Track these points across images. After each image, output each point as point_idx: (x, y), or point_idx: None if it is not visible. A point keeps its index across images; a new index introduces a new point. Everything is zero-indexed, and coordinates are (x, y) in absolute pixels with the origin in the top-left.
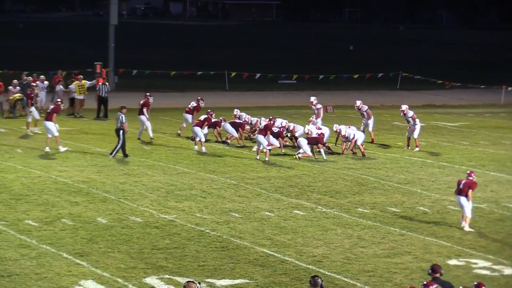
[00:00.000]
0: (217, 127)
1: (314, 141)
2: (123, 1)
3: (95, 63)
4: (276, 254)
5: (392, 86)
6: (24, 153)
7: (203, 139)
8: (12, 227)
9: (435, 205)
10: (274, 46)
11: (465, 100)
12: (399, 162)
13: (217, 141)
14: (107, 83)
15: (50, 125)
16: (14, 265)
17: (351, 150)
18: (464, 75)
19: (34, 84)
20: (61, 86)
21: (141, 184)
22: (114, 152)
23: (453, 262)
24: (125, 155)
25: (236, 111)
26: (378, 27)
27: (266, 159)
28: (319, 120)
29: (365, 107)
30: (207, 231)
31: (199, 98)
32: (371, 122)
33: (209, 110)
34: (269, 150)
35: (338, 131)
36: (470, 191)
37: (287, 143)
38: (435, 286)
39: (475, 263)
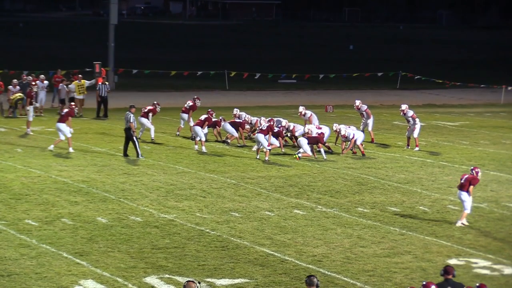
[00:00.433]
0: (217, 127)
1: (314, 141)
2: (123, 1)
3: (94, 62)
4: (276, 254)
5: (392, 86)
6: (24, 152)
7: (203, 139)
8: (12, 226)
9: (435, 204)
10: (274, 45)
11: (465, 99)
12: (399, 161)
13: (217, 141)
14: (107, 83)
15: (63, 126)
16: (14, 264)
17: (351, 149)
18: (464, 75)
19: (34, 84)
20: (64, 85)
21: (141, 184)
22: (139, 152)
23: (453, 261)
24: (125, 155)
25: (236, 111)
26: (378, 27)
27: (266, 158)
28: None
29: (365, 107)
30: (207, 230)
31: (195, 97)
32: (370, 121)
33: (209, 110)
34: (269, 150)
35: (338, 130)
36: (471, 187)
37: (286, 142)
38: (434, 286)
39: (475, 263)
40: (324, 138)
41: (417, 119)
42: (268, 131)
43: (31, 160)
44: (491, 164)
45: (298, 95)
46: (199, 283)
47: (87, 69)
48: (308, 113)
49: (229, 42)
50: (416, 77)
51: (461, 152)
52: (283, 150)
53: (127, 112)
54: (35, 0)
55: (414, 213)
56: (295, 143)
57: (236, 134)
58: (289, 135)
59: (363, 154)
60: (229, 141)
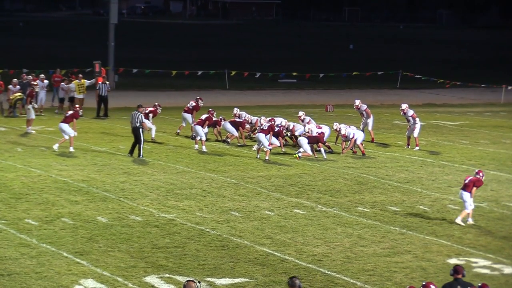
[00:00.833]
0: (217, 126)
1: (314, 140)
2: (123, 0)
3: (94, 62)
4: (276, 253)
5: (392, 85)
6: (24, 152)
7: (204, 138)
8: (12, 226)
9: (435, 204)
10: (274, 45)
11: (465, 99)
12: (399, 161)
13: (217, 140)
14: (107, 82)
15: (65, 126)
16: (14, 264)
17: (351, 149)
18: (464, 74)
19: (35, 83)
20: (65, 84)
21: (141, 183)
22: (141, 152)
23: (453, 261)
24: (131, 153)
25: (236, 110)
26: (378, 26)
27: (266, 158)
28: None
29: (364, 106)
30: (207, 230)
31: (198, 97)
32: (370, 121)
33: (210, 109)
34: (270, 149)
35: (338, 130)
36: (474, 188)
37: (287, 142)
38: (434, 286)
39: (475, 262)
40: (324, 138)
41: (417, 119)
42: (269, 130)
43: (31, 159)
44: (491, 164)
45: (298, 95)
46: (199, 282)
47: (87, 69)
48: (307, 118)
49: (229, 42)
50: (416, 77)
51: (461, 151)
52: (283, 150)
53: (135, 111)
54: None
55: (414, 213)
56: (295, 143)
57: (236, 134)
58: (289, 134)
59: (363, 154)
60: (229, 140)
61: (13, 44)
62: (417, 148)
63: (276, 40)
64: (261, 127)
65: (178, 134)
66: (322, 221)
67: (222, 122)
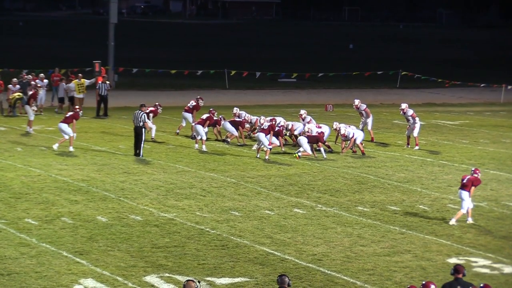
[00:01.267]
0: (217, 126)
1: (314, 140)
2: (123, 0)
3: (94, 61)
4: (276, 253)
5: (391, 85)
6: (24, 151)
7: (204, 138)
8: (12, 225)
9: (435, 203)
10: (274, 44)
11: (465, 98)
12: (399, 160)
13: (217, 140)
14: (107, 82)
15: (65, 126)
16: (14, 263)
17: (351, 148)
18: (464, 74)
19: (39, 85)
20: (64, 84)
21: (141, 183)
22: (141, 152)
23: (452, 260)
24: (136, 154)
25: (236, 110)
26: (378, 26)
27: (266, 157)
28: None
29: (364, 106)
30: (207, 229)
31: (198, 97)
32: (370, 120)
33: (211, 109)
34: (270, 149)
35: (338, 129)
36: (473, 188)
37: (286, 141)
38: (434, 286)
39: (475, 262)
40: (324, 137)
41: (416, 118)
42: (269, 130)
43: (31, 159)
44: (491, 163)
45: (298, 94)
46: (199, 282)
47: (87, 68)
48: (308, 118)
49: (229, 41)
50: (416, 76)
51: (461, 151)
52: (283, 149)
53: (138, 111)
54: None
55: (414, 212)
56: (295, 142)
57: (236, 133)
58: (288, 134)
59: (363, 153)
60: (229, 140)
61: (13, 43)
62: (416, 147)
63: (275, 40)
64: (262, 127)
65: (177, 134)
66: (322, 220)
67: (222, 122)
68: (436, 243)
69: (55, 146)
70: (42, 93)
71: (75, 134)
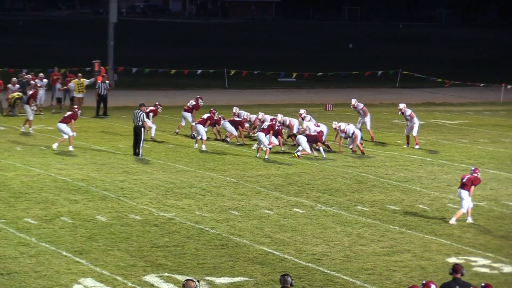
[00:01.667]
0: (216, 125)
1: (313, 139)
2: None
3: (93, 61)
4: (275, 252)
5: (391, 84)
6: (24, 151)
7: (204, 137)
8: (11, 225)
9: (434, 203)
10: (274, 44)
11: (464, 98)
12: (398, 160)
13: (216, 139)
14: (107, 81)
15: (63, 126)
16: (14, 263)
17: (350, 148)
18: (463, 73)
19: (39, 85)
20: (59, 84)
21: (140, 182)
22: (140, 151)
23: (452, 260)
24: (135, 154)
25: (235, 109)
26: (378, 25)
27: (266, 157)
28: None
29: (361, 105)
30: (207, 229)
31: (198, 96)
32: (368, 119)
33: (211, 109)
34: (270, 148)
35: (338, 128)
36: (473, 187)
37: (285, 140)
38: (434, 285)
39: (475, 261)
40: (323, 137)
41: (415, 118)
42: (269, 130)
43: (31, 158)
44: (490, 163)
45: (297, 94)
46: (198, 281)
47: (87, 68)
48: (308, 117)
49: (228, 41)
50: (415, 76)
51: (461, 150)
52: (282, 149)
53: (137, 110)
54: None
55: (413, 212)
56: (294, 141)
57: (235, 133)
58: (287, 133)
59: (363, 153)
60: (228, 139)
61: (12, 43)
62: (417, 146)
63: (275, 39)
64: (262, 126)
65: (177, 133)
66: (321, 220)
67: (222, 121)
68: (435, 242)
69: (55, 146)
70: (41, 92)
71: (75, 133)
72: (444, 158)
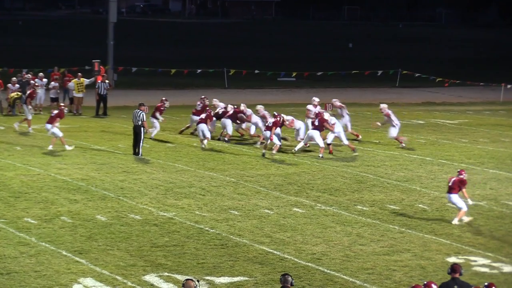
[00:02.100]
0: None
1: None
2: None
3: (93, 61)
4: (275, 252)
5: (391, 84)
6: (23, 150)
7: (208, 136)
8: (11, 224)
9: (434, 202)
10: (274, 43)
11: (464, 97)
12: (398, 159)
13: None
14: (107, 81)
15: (51, 126)
16: (13, 262)
17: (328, 145)
18: (463, 73)
19: (37, 85)
20: (56, 83)
21: (140, 182)
22: (140, 151)
23: (452, 259)
24: (135, 153)
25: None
26: (377, 25)
27: (274, 152)
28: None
29: (337, 103)
30: (206, 228)
31: (202, 96)
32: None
33: (207, 108)
34: (280, 145)
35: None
36: (464, 190)
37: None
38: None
39: (474, 261)
40: (301, 134)
41: (393, 119)
42: (273, 126)
43: (30, 158)
44: (490, 162)
45: (297, 93)
46: (198, 281)
47: (87, 67)
48: (262, 112)
49: (228, 40)
50: (415, 75)
51: (460, 150)
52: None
53: (137, 110)
54: None
55: (413, 211)
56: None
57: (230, 130)
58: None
59: (354, 150)
60: (226, 138)
61: (12, 43)
62: (402, 144)
63: (275, 39)
64: (267, 124)
65: (181, 132)
66: (321, 219)
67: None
68: (435, 242)
69: (50, 147)
70: (41, 92)
71: (61, 134)
72: (443, 157)
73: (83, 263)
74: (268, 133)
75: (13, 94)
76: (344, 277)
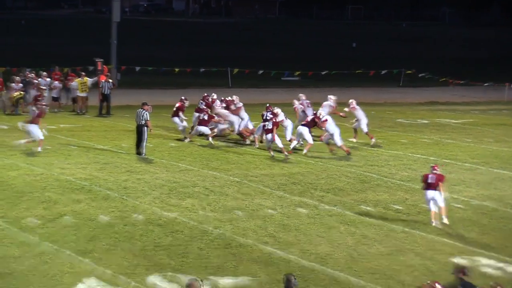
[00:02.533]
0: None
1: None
2: None
3: (96, 60)
4: (279, 252)
5: (395, 83)
6: (27, 150)
7: (209, 132)
8: (14, 224)
9: None
10: (277, 43)
11: (468, 97)
12: (402, 159)
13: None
14: (110, 80)
15: (32, 127)
16: (17, 262)
17: (328, 146)
18: (467, 72)
19: (43, 88)
20: (60, 84)
21: (143, 182)
22: (144, 150)
23: (456, 259)
24: (138, 153)
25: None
26: (381, 24)
27: (286, 153)
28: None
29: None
30: (210, 228)
31: (205, 95)
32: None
33: (204, 108)
34: (283, 146)
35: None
36: (441, 185)
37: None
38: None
39: (479, 261)
40: (289, 133)
41: (358, 113)
42: (274, 127)
43: (33, 157)
44: (494, 162)
45: (301, 93)
46: (202, 281)
47: (90, 67)
48: (218, 102)
49: (232, 40)
50: (419, 75)
51: (465, 149)
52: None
53: (140, 109)
54: None
55: (417, 211)
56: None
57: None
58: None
59: (348, 153)
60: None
61: (14, 42)
62: (354, 140)
63: (279, 38)
64: (266, 127)
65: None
66: (325, 219)
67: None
68: (439, 242)
69: (39, 149)
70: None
71: (45, 131)
72: (447, 157)
73: (86, 263)
74: (269, 136)
75: (16, 94)
76: (348, 277)
